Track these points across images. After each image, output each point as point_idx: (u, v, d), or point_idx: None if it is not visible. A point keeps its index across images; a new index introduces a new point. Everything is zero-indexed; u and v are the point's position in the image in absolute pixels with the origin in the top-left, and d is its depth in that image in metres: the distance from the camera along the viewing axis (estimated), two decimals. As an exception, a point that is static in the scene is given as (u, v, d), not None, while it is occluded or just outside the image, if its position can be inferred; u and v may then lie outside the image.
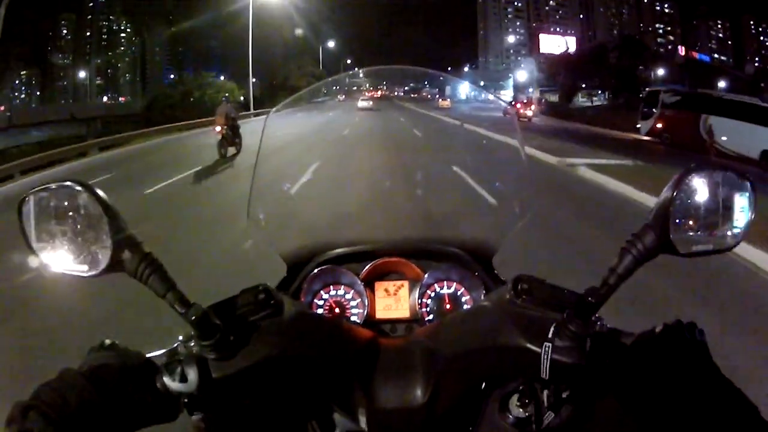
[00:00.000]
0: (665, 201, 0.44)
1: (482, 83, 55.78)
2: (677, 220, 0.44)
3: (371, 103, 13.58)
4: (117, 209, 0.44)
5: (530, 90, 46.14)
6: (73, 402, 0.40)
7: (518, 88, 49.88)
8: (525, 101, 30.49)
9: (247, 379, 0.49)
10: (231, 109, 10.58)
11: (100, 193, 0.44)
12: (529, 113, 25.43)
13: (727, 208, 0.46)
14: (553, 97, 42.05)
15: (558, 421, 0.56)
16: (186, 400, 0.47)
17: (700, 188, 0.45)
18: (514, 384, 0.58)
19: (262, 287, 0.54)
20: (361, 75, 1.38)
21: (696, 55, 54.77)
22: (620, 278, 0.45)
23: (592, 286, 0.46)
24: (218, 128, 9.98)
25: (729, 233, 0.46)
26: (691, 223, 0.45)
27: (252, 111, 22.89)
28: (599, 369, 0.47)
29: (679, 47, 54.86)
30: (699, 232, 0.46)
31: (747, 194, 0.47)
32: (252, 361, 0.49)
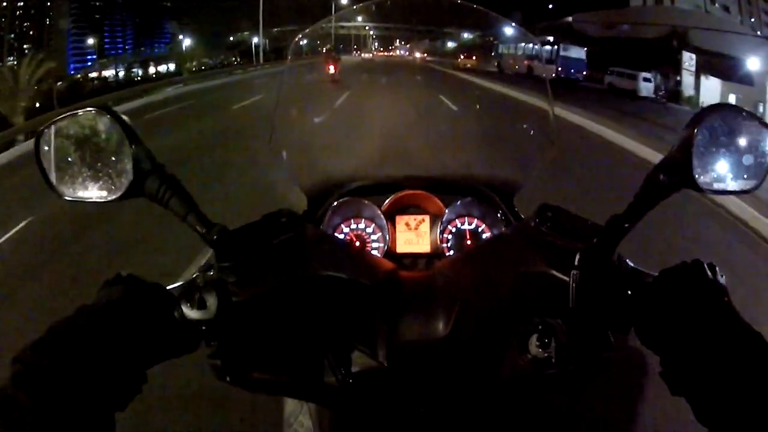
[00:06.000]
0: (688, 135, 0.44)
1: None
2: (700, 157, 0.45)
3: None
4: (138, 133, 0.43)
5: None
6: (88, 337, 0.39)
7: None
8: None
9: (267, 303, 0.48)
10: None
11: (123, 116, 0.43)
12: None
13: (749, 150, 0.46)
14: None
15: (576, 362, 0.56)
16: (205, 328, 0.46)
17: (723, 127, 0.45)
18: (534, 322, 0.57)
19: (285, 211, 0.53)
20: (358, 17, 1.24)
21: None
22: (643, 208, 0.45)
23: (615, 216, 0.46)
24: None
25: (750, 174, 0.47)
26: (712, 160, 0.45)
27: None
28: (622, 303, 0.47)
29: None
30: (720, 171, 0.46)
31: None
32: (272, 284, 0.48)
